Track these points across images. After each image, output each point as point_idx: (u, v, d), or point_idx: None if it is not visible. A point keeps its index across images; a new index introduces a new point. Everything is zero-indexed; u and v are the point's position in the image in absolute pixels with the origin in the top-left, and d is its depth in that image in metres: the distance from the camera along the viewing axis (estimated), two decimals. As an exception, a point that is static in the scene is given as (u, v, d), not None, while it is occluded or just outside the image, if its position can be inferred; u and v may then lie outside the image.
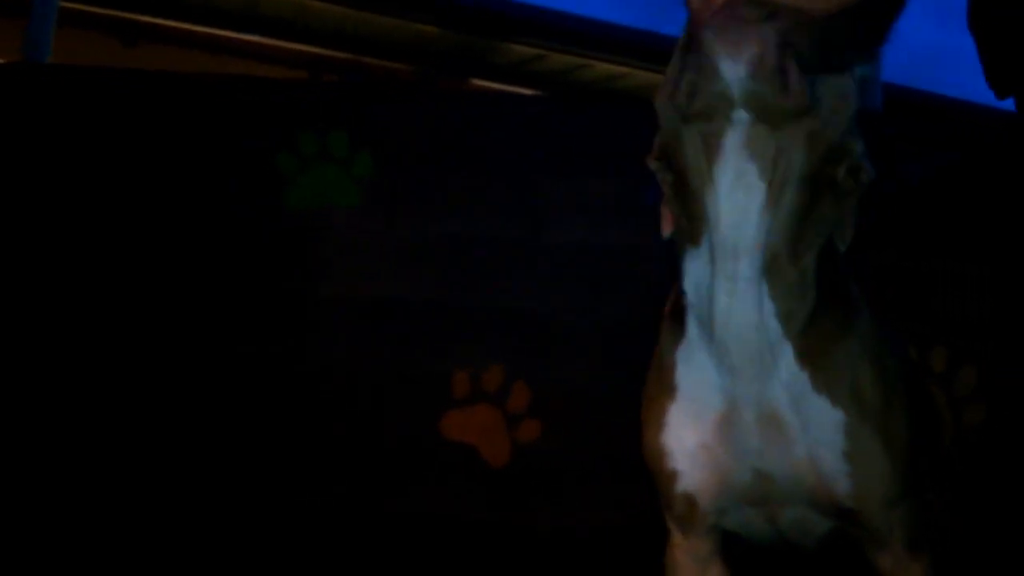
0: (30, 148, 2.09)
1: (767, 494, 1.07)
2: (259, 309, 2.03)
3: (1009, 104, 1.93)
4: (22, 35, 2.70)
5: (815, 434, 1.01)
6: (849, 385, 1.01)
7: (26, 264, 2.04)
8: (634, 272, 2.00)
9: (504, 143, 2.11)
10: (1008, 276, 1.74)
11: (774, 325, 0.97)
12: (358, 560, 1.94)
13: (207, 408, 2.00)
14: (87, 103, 2.12)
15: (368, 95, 2.19)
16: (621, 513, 1.89)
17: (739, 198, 0.91)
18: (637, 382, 1.14)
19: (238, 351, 2.02)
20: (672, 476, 1.09)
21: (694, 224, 0.96)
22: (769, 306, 0.96)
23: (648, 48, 5.47)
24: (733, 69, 0.83)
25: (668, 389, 1.08)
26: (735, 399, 1.02)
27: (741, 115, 0.87)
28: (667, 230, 1.04)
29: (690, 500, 1.10)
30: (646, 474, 1.13)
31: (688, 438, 1.07)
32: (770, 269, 0.94)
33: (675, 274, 1.03)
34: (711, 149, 0.90)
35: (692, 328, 1.04)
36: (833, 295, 1.01)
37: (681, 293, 1.03)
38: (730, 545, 1.18)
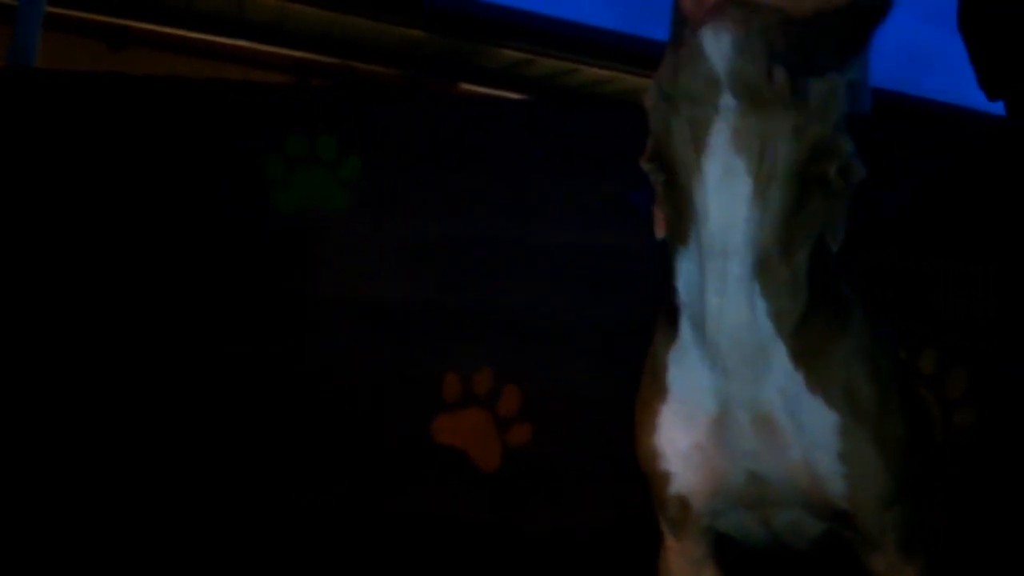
0: (17, 153, 2.08)
1: (761, 496, 1.07)
2: (254, 310, 2.03)
3: (997, 108, 1.94)
4: (8, 40, 2.68)
5: (809, 435, 1.01)
6: (843, 386, 1.01)
7: (17, 269, 2.03)
8: (628, 273, 1.99)
9: (495, 146, 2.11)
10: (1008, 276, 1.75)
11: (766, 324, 0.97)
12: (358, 560, 1.93)
13: (202, 408, 1.99)
14: (74, 107, 2.11)
15: (357, 99, 2.19)
16: (619, 514, 1.89)
17: (727, 192, 0.91)
18: (631, 384, 1.14)
19: (232, 351, 2.02)
20: (665, 478, 1.09)
21: (684, 222, 0.96)
22: (761, 305, 0.96)
23: (635, 53, 5.48)
24: (718, 46, 0.83)
25: (661, 391, 1.08)
26: (728, 401, 1.02)
27: (728, 101, 0.87)
28: (660, 232, 1.04)
29: (683, 502, 1.09)
30: (640, 476, 1.13)
31: (681, 440, 1.06)
32: (761, 268, 0.94)
33: (668, 275, 1.03)
34: (699, 141, 0.90)
35: (685, 329, 1.03)
36: (825, 295, 1.01)
37: (674, 294, 1.03)
38: (724, 548, 1.18)
